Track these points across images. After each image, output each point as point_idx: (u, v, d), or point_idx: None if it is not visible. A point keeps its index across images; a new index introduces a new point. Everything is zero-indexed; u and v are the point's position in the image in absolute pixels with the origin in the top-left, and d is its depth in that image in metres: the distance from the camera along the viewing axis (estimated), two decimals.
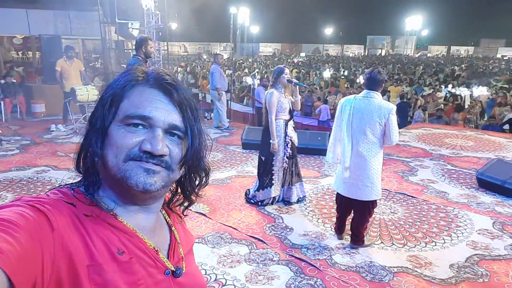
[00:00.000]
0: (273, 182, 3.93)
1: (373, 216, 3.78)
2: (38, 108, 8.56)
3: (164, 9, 12.34)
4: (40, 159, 5.49)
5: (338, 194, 3.23)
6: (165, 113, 0.67)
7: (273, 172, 3.91)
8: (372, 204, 3.11)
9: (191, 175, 0.76)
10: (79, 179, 0.71)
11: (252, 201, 4.04)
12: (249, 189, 4.21)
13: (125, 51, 14.52)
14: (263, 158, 3.95)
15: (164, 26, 12.63)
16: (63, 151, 5.89)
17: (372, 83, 2.97)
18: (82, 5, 11.17)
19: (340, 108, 3.12)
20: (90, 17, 11.55)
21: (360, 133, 2.98)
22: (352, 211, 3.20)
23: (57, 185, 0.71)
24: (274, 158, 3.88)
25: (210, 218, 3.68)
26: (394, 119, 2.89)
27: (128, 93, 0.68)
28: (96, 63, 17.68)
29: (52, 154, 5.72)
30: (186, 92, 0.71)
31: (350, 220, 3.27)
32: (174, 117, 0.68)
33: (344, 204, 3.21)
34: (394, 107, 2.94)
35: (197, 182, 0.78)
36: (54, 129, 7.21)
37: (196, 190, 0.79)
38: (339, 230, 3.33)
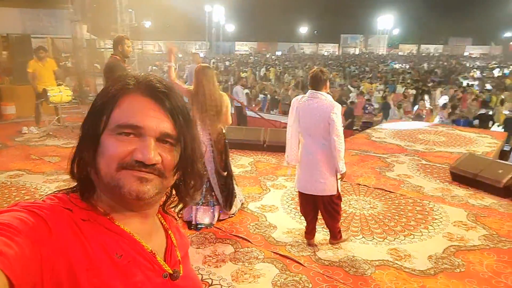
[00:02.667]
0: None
1: (353, 211, 3.88)
2: (8, 110, 8.20)
3: (137, 7, 12.12)
4: (12, 163, 5.28)
5: (299, 193, 3.27)
6: (157, 121, 0.67)
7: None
8: (334, 199, 3.11)
9: (185, 179, 0.76)
10: (74, 184, 0.71)
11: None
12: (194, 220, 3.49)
13: (98, 49, 14.16)
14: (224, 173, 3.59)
15: (138, 24, 12.41)
16: (36, 154, 5.69)
17: (316, 83, 3.04)
18: (51, 3, 10.80)
19: (290, 108, 3.21)
20: (60, 15, 11.19)
21: (308, 131, 3.06)
22: (320, 210, 3.23)
23: (54, 191, 0.71)
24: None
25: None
26: (335, 117, 2.92)
27: (119, 101, 0.68)
28: (67, 62, 17.15)
29: (26, 158, 5.51)
30: (178, 98, 0.71)
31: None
32: (165, 125, 0.68)
33: (307, 203, 3.21)
34: (337, 105, 2.98)
35: (191, 184, 0.78)
36: (26, 132, 6.94)
37: (190, 193, 0.79)
38: (308, 234, 3.27)
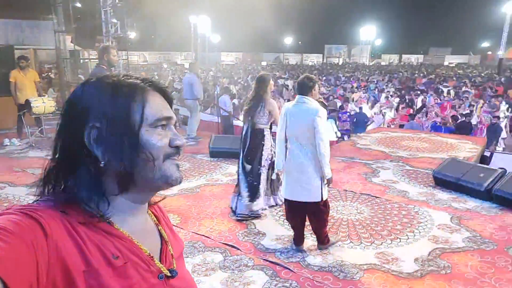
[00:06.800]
0: (260, 192, 3.90)
1: (341, 217, 3.92)
2: None
3: (122, 18, 12.09)
4: None
5: (285, 200, 3.28)
6: (171, 111, 0.76)
7: (260, 181, 3.89)
8: (320, 205, 3.11)
9: None
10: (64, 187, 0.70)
11: (248, 215, 3.84)
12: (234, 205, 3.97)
13: (81, 61, 14.01)
14: (252, 168, 3.90)
15: (123, 35, 12.36)
16: (19, 166, 5.57)
17: (302, 88, 3.12)
18: (35, 14, 10.70)
19: (280, 114, 3.29)
20: (44, 26, 11.08)
21: (294, 136, 3.11)
22: (307, 216, 3.24)
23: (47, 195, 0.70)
24: (262, 167, 3.90)
25: (181, 228, 3.64)
26: (320, 121, 2.96)
27: (145, 98, 0.71)
28: (50, 73, 16.91)
29: (8, 170, 5.40)
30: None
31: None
32: (174, 114, 0.77)
33: (293, 210, 3.22)
34: (322, 110, 3.02)
35: None
36: (8, 144, 6.80)
37: None
38: (296, 240, 3.29)
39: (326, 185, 3.12)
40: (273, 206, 4.12)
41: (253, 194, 3.84)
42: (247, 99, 4.15)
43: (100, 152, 0.68)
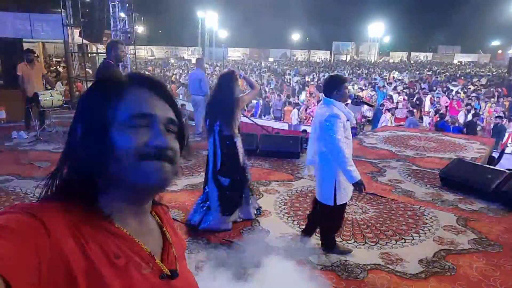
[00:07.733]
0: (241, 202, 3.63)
1: (346, 216, 3.89)
2: None
3: (130, 12, 12.14)
4: (1, 167, 5.22)
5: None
6: (162, 109, 0.69)
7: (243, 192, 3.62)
8: (326, 209, 3.05)
9: None
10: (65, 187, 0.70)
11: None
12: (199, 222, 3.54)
13: (89, 55, 14.10)
14: (232, 181, 3.51)
15: (131, 29, 12.42)
16: (26, 159, 5.63)
17: (325, 89, 3.07)
18: (43, 7, 10.77)
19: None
20: (53, 20, 11.16)
21: (317, 138, 3.10)
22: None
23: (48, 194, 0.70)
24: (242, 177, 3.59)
25: (185, 224, 3.65)
26: (326, 127, 2.84)
27: (121, 95, 0.68)
28: (58, 67, 17.04)
29: (15, 162, 5.45)
30: (169, 89, 0.75)
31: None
32: (169, 112, 0.71)
33: (314, 204, 3.29)
34: (332, 114, 2.86)
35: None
36: (16, 136, 6.87)
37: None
38: (305, 231, 3.31)
39: (356, 191, 2.98)
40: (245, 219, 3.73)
41: (230, 209, 3.51)
42: (208, 104, 3.61)
43: (81, 154, 0.68)
